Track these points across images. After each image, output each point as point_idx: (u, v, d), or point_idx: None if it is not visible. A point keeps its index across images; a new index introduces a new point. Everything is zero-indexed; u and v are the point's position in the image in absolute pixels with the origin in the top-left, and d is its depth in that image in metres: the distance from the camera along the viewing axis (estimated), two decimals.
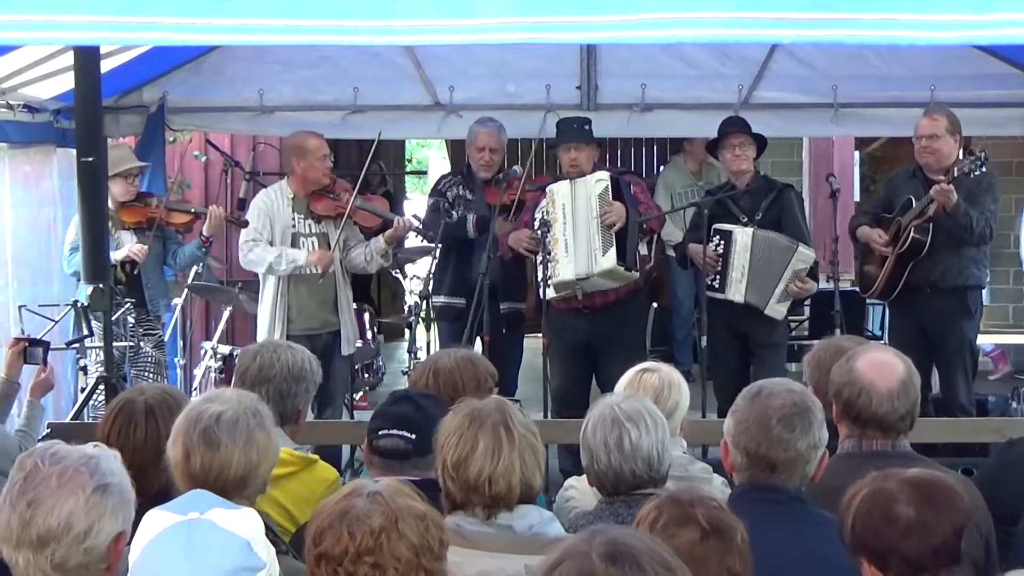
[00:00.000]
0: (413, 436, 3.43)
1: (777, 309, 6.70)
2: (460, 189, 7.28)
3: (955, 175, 6.34)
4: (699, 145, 9.67)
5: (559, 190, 6.65)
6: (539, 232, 6.54)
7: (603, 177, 6.61)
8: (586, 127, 6.84)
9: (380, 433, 3.51)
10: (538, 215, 6.68)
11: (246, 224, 6.92)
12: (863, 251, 6.99)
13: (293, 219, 6.94)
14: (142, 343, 7.14)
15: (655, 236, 7.21)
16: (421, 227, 7.25)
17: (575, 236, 6.55)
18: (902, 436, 3.51)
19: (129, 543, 2.44)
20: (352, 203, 6.90)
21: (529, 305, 7.59)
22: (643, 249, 6.84)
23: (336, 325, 7.00)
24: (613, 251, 6.50)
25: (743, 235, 6.70)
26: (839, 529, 2.77)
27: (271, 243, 6.89)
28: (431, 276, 7.25)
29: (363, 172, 7.17)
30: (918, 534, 2.62)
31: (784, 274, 6.64)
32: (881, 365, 3.50)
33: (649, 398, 3.89)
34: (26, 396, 5.13)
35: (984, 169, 6.36)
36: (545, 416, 6.48)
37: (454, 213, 7.14)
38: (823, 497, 3.17)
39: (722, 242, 6.74)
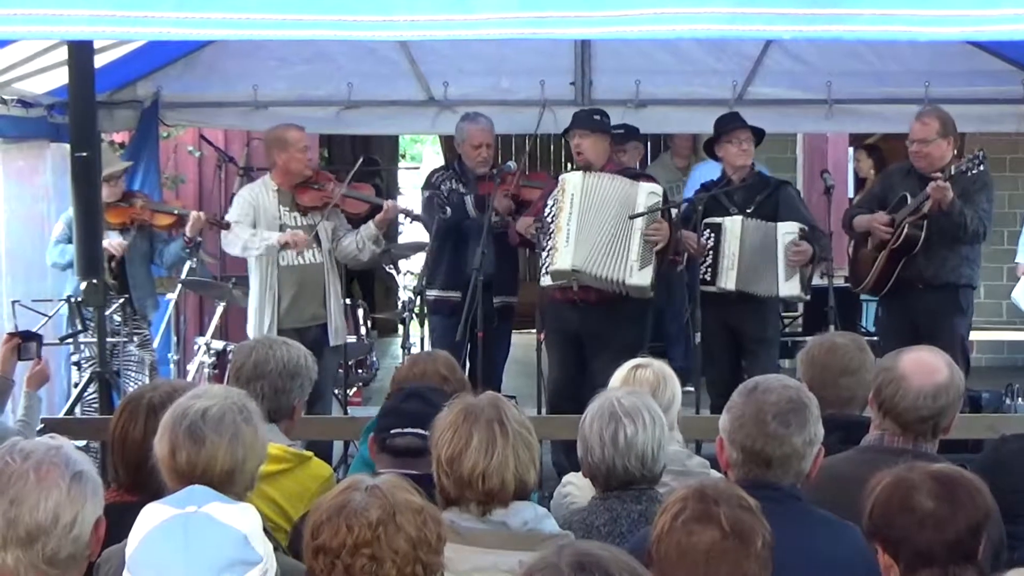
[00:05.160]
0: (428, 433, 3.42)
1: (790, 287, 6.71)
2: (454, 183, 7.26)
3: (952, 173, 6.34)
4: (684, 141, 9.72)
5: (570, 179, 6.64)
6: (546, 219, 6.54)
7: (656, 191, 6.60)
8: (596, 116, 6.78)
9: (393, 432, 3.51)
10: (550, 202, 6.69)
11: (227, 226, 6.89)
12: (856, 244, 6.99)
13: (279, 212, 6.93)
14: (127, 341, 7.12)
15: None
16: (418, 218, 7.31)
17: (579, 228, 6.51)
18: (924, 440, 3.48)
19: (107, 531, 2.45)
20: (338, 191, 6.91)
21: (522, 299, 7.58)
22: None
23: (324, 319, 6.98)
24: (651, 270, 6.51)
25: (732, 223, 6.73)
26: (836, 521, 2.76)
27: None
28: (424, 270, 7.22)
29: (355, 167, 7.16)
30: (932, 526, 2.61)
31: (778, 252, 6.65)
32: (923, 364, 3.49)
33: (646, 393, 3.90)
34: (23, 388, 5.12)
35: (982, 168, 6.36)
36: (539, 411, 6.48)
37: (448, 209, 7.13)
38: (830, 486, 3.18)
39: (712, 235, 6.75)
